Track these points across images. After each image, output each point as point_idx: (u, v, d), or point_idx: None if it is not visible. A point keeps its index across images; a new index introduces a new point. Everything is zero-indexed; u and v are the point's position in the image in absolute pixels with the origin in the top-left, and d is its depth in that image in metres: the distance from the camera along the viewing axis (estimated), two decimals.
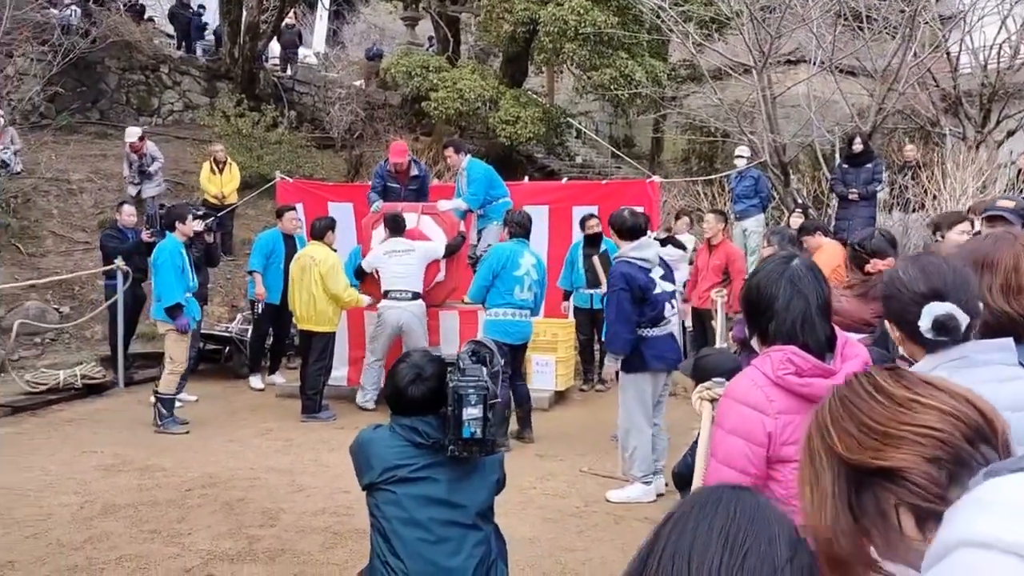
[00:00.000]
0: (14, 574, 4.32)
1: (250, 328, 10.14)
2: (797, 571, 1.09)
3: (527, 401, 7.24)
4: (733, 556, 1.07)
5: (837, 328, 2.31)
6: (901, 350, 2.28)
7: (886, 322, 2.23)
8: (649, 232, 6.87)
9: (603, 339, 8.41)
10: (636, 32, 14.46)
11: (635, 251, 5.64)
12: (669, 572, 1.09)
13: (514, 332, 6.99)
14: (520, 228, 7.20)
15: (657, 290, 5.61)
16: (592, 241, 8.90)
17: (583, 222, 9.06)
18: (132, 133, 12.11)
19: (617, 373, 5.82)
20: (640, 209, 8.96)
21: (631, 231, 5.70)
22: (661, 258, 5.82)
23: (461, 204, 8.47)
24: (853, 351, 2.24)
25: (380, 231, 8.26)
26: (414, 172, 9.21)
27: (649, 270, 5.62)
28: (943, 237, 4.70)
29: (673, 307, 5.78)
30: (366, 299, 8.12)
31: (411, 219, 8.34)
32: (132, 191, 12.14)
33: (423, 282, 8.04)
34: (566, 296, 9.11)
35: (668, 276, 5.80)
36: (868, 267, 3.80)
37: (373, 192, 9.11)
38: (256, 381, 9.29)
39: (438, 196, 9.08)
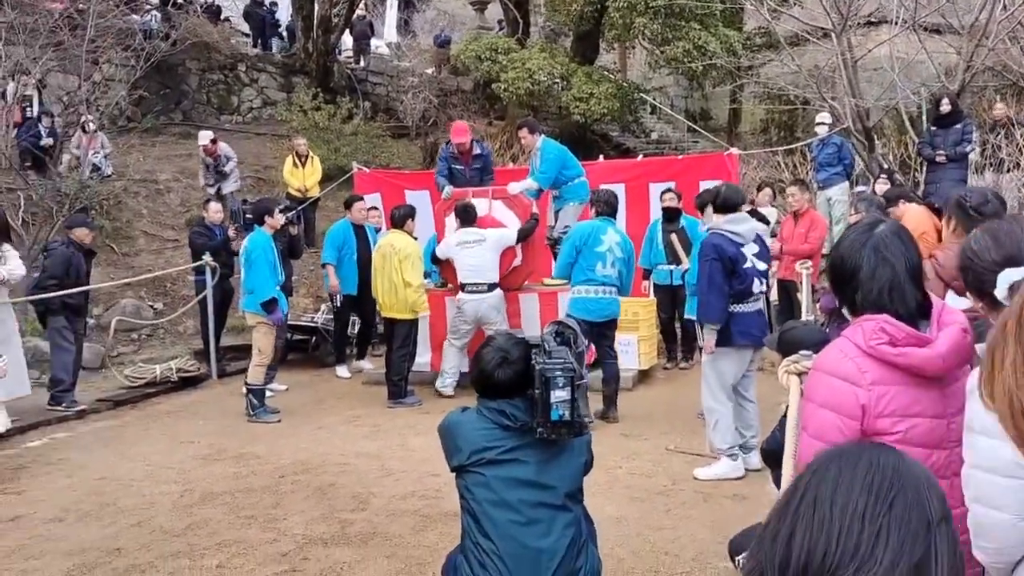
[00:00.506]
0: (121, 560, 4.50)
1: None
2: (947, 534, 1.07)
3: (615, 381, 7.16)
4: (879, 502, 1.06)
5: (933, 295, 2.21)
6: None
7: (968, 294, 2.14)
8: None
9: (684, 316, 8.32)
10: (708, 2, 14.15)
11: (728, 224, 5.55)
12: (811, 517, 1.08)
13: (596, 309, 6.90)
14: (606, 206, 7.12)
15: (747, 264, 5.51)
16: (670, 217, 8.77)
17: (661, 196, 8.94)
18: (204, 136, 12.45)
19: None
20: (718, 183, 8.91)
21: (726, 205, 5.62)
22: (760, 237, 5.71)
23: (532, 184, 8.35)
24: (951, 317, 2.15)
25: (452, 219, 8.27)
26: (476, 151, 9.19)
27: (741, 244, 5.52)
28: None
29: (762, 284, 5.66)
30: (427, 310, 8.04)
31: (482, 205, 8.29)
32: (212, 191, 12.49)
33: (499, 269, 8.00)
34: (646, 275, 8.96)
35: (763, 255, 5.68)
36: None
37: (440, 176, 9.12)
38: (343, 371, 9.47)
39: (510, 179, 8.99)
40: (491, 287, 7.90)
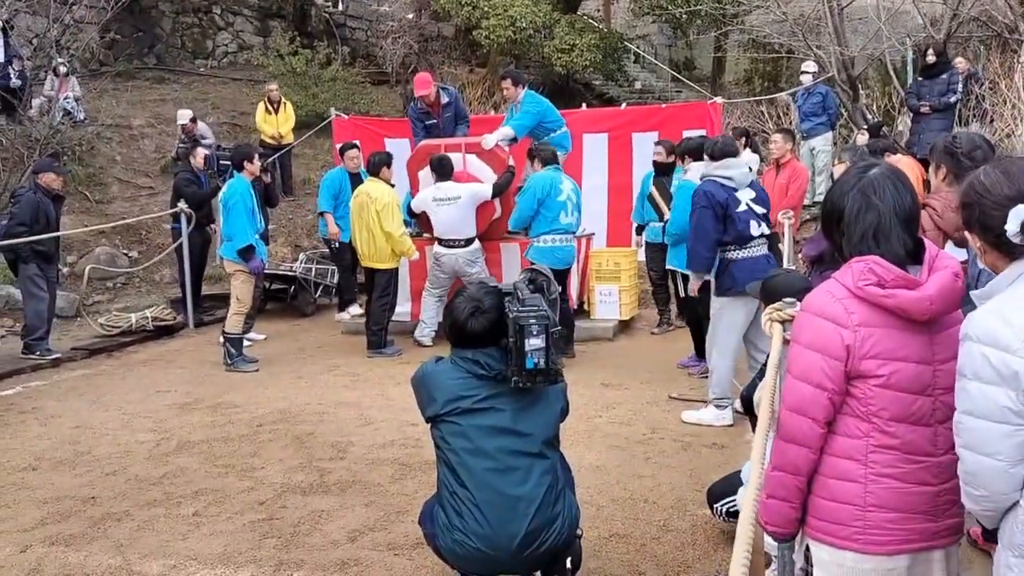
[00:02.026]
0: (96, 509, 4.46)
1: (314, 267, 10.27)
2: None
3: (571, 324, 7.51)
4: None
5: (928, 240, 2.16)
6: (980, 262, 2.13)
7: (966, 233, 2.08)
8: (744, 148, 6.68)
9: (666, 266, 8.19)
10: None
11: (719, 169, 5.50)
12: None
13: (562, 257, 7.17)
14: (552, 156, 7.47)
15: (741, 208, 5.44)
16: (661, 171, 8.01)
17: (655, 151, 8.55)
18: (183, 115, 12.12)
19: (703, 294, 5.77)
20: (702, 132, 8.78)
21: (721, 153, 5.57)
22: (756, 183, 5.64)
23: (507, 132, 8.06)
24: (943, 262, 2.10)
25: (427, 172, 8.04)
26: (444, 100, 8.82)
27: (735, 190, 5.46)
28: None
29: (761, 226, 5.58)
30: (415, 253, 7.96)
31: (456, 160, 8.02)
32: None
33: (477, 225, 7.83)
34: (639, 231, 8.50)
35: (760, 200, 5.61)
36: None
37: (418, 140, 8.75)
38: (354, 308, 9.36)
39: (487, 128, 8.74)
40: (468, 241, 7.80)
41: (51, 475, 5.00)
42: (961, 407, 1.90)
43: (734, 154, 5.67)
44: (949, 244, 3.39)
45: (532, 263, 6.92)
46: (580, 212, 7.63)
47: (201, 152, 9.34)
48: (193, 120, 12.08)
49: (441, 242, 7.84)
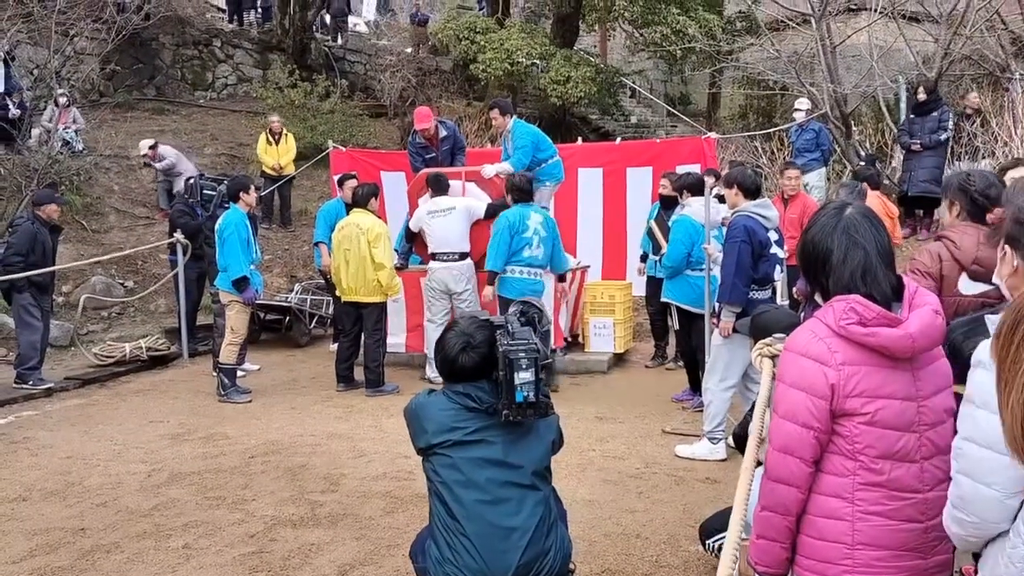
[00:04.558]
0: (85, 540, 4.43)
1: (309, 298, 10.28)
2: None
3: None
4: None
5: (907, 278, 2.19)
6: (1002, 283, 2.14)
7: (1007, 249, 2.08)
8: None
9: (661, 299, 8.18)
10: None
11: (757, 208, 5.50)
12: None
13: (527, 290, 7.12)
14: (522, 193, 7.45)
15: (773, 250, 5.50)
16: (668, 204, 7.93)
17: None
18: (143, 145, 12.40)
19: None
20: (697, 167, 8.85)
21: (751, 188, 5.55)
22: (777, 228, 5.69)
23: (506, 167, 8.21)
24: (922, 299, 2.12)
25: (427, 196, 8.15)
26: (443, 133, 8.91)
27: (768, 229, 5.50)
28: None
29: (782, 270, 5.65)
30: (399, 292, 7.95)
31: (455, 187, 8.21)
32: (163, 201, 12.46)
33: (473, 248, 7.86)
34: (643, 258, 8.53)
35: (780, 242, 5.66)
36: (991, 217, 3.52)
37: (416, 173, 8.86)
38: None
39: (484, 161, 8.86)
40: (462, 256, 7.83)
41: (41, 506, 4.97)
42: (964, 433, 1.88)
43: (760, 186, 5.67)
44: (963, 277, 3.41)
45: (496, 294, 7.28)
46: (553, 245, 7.56)
47: (181, 180, 9.35)
48: (153, 147, 12.26)
49: (435, 256, 7.85)
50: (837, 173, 11.80)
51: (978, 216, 3.50)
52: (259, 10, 19.83)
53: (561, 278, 8.04)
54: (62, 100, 12.71)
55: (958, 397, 1.97)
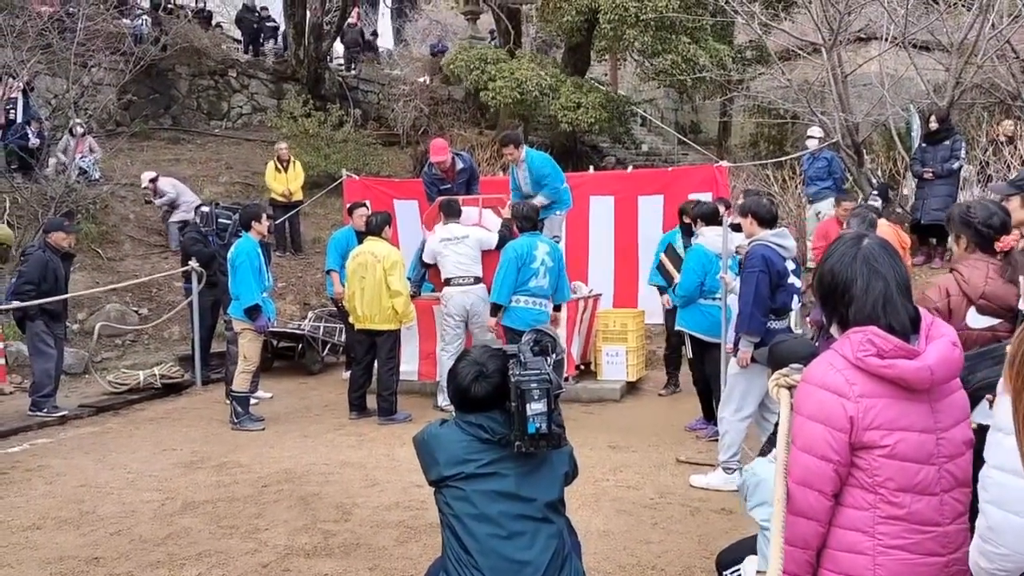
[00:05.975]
0: (99, 569, 4.43)
1: (322, 326, 10.31)
2: None
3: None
4: None
5: (923, 309, 2.18)
6: None
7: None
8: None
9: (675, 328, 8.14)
10: (699, 15, 14.19)
11: (775, 237, 5.46)
12: None
13: (536, 321, 7.10)
14: (528, 222, 7.51)
15: (790, 280, 5.48)
16: (690, 231, 7.69)
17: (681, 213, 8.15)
18: (145, 177, 12.62)
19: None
20: (709, 195, 8.86)
21: (768, 218, 5.51)
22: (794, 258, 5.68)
23: (543, 201, 8.34)
24: (939, 331, 2.12)
25: (441, 224, 8.20)
26: (460, 166, 9.02)
27: (785, 259, 5.47)
28: None
29: (799, 301, 5.62)
30: (413, 320, 7.97)
31: (472, 214, 8.27)
32: (174, 242, 12.48)
33: (485, 273, 7.89)
34: (662, 291, 8.22)
35: (797, 272, 5.64)
36: (999, 245, 3.52)
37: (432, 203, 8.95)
38: None
39: (495, 189, 8.96)
40: (477, 280, 7.86)
41: (55, 534, 4.97)
42: (992, 462, 1.85)
43: (777, 215, 5.66)
44: (972, 311, 3.41)
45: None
46: (559, 275, 7.58)
47: (204, 211, 9.39)
48: (154, 180, 12.42)
49: (450, 282, 7.87)
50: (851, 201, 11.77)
51: (986, 247, 3.51)
52: (276, 41, 20.09)
53: (557, 308, 7.82)
54: (79, 130, 12.88)
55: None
